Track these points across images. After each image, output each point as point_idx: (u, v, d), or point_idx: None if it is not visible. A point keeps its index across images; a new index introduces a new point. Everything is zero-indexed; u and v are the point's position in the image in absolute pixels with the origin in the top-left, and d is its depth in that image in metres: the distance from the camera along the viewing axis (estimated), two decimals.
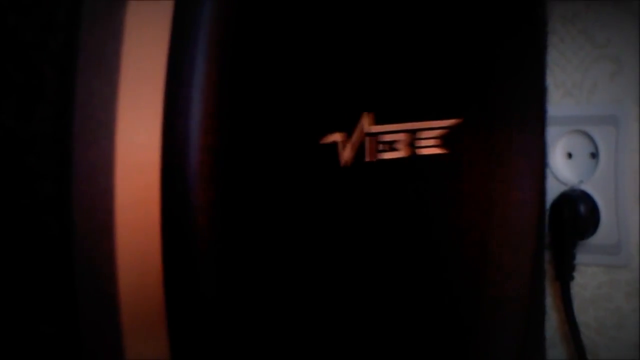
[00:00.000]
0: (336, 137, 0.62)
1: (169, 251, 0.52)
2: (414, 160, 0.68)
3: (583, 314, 0.92)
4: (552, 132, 0.92)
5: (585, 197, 0.90)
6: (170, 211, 0.52)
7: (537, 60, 0.85)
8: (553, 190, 0.91)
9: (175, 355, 0.53)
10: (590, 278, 0.92)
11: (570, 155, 0.93)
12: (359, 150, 0.64)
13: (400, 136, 0.67)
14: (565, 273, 0.91)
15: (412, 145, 0.68)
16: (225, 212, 0.54)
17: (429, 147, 0.69)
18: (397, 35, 0.66)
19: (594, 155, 0.91)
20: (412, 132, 0.68)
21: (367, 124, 0.64)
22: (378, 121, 0.65)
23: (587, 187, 0.91)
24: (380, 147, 0.65)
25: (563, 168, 0.93)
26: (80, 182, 0.49)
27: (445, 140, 0.70)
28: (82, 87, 0.49)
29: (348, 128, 0.63)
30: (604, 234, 0.90)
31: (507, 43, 0.77)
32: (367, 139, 0.64)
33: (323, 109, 0.61)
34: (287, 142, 0.58)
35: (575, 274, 0.92)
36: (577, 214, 0.90)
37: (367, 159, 0.64)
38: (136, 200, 0.51)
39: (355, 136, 0.63)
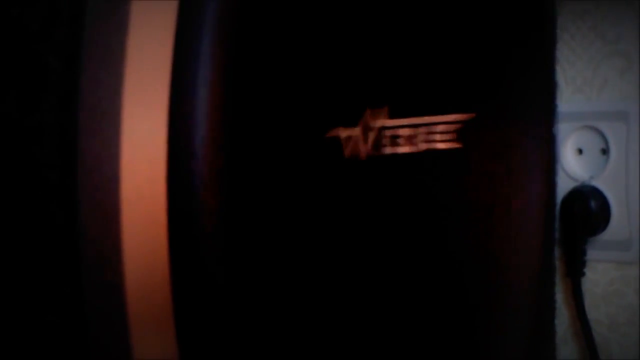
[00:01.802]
0: (349, 131, 0.62)
1: (175, 243, 0.52)
2: (426, 154, 0.68)
3: (594, 311, 0.92)
4: (563, 128, 0.92)
5: (596, 193, 0.90)
6: (176, 203, 0.52)
7: (547, 56, 0.85)
8: (564, 186, 0.91)
9: (182, 347, 0.53)
10: (601, 274, 0.92)
11: (580, 151, 0.92)
12: (372, 145, 0.64)
13: (412, 130, 0.67)
14: (576, 269, 0.91)
15: (423, 139, 0.68)
16: (232, 204, 0.54)
17: (440, 142, 0.69)
18: (409, 30, 0.66)
19: (605, 151, 0.90)
20: (424, 127, 0.68)
21: (379, 119, 0.64)
22: (390, 115, 0.65)
23: (598, 183, 0.90)
24: (392, 141, 0.65)
25: (574, 164, 0.92)
26: (86, 172, 0.49)
27: (456, 135, 0.70)
28: (88, 78, 0.49)
29: (361, 123, 0.63)
30: (614, 229, 0.90)
31: (517, 39, 0.77)
32: (379, 134, 0.64)
33: (335, 103, 0.61)
34: (297, 135, 0.58)
35: (587, 270, 0.91)
36: (587, 210, 0.89)
37: (379, 153, 0.64)
38: (142, 190, 0.51)
39: (368, 131, 0.63)
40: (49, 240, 0.49)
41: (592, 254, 0.91)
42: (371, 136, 0.64)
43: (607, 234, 0.90)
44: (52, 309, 0.50)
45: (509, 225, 0.76)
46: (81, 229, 0.49)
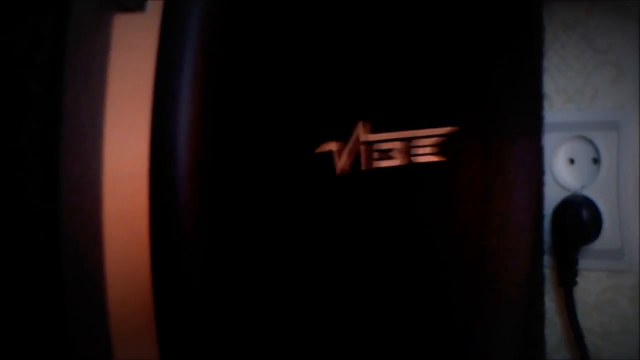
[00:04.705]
0: (332, 145, 0.62)
1: (157, 261, 0.52)
2: (411, 168, 0.68)
3: (587, 319, 0.92)
4: (554, 138, 0.92)
5: (588, 203, 0.90)
6: (158, 221, 0.52)
7: (534, 67, 0.85)
8: (555, 196, 0.91)
9: (163, 351, 0.53)
10: (593, 283, 0.92)
11: (572, 161, 0.93)
12: (355, 159, 0.64)
13: (397, 144, 0.67)
14: (568, 278, 0.91)
15: (408, 153, 0.68)
16: (214, 221, 0.55)
17: (425, 155, 0.70)
18: (392, 43, 0.67)
19: (596, 160, 0.91)
20: (409, 140, 0.68)
21: (363, 133, 0.64)
22: (374, 129, 0.65)
23: (590, 193, 0.91)
24: (377, 155, 0.66)
25: (565, 174, 0.93)
26: (69, 194, 0.50)
27: (441, 148, 0.71)
28: (70, 101, 0.50)
29: (344, 137, 0.63)
30: (606, 239, 0.90)
31: (502, 51, 0.77)
32: (364, 147, 0.65)
33: (318, 117, 0.61)
34: (281, 151, 0.59)
35: (579, 279, 0.92)
36: (579, 219, 0.90)
37: (364, 167, 0.65)
38: (124, 211, 0.51)
39: (352, 145, 0.64)
40: (33, 262, 0.50)
41: (584, 263, 0.92)
42: (353, 150, 0.64)
43: (599, 243, 0.91)
44: (35, 328, 0.51)
45: (496, 237, 0.76)
46: (64, 249, 0.50)
